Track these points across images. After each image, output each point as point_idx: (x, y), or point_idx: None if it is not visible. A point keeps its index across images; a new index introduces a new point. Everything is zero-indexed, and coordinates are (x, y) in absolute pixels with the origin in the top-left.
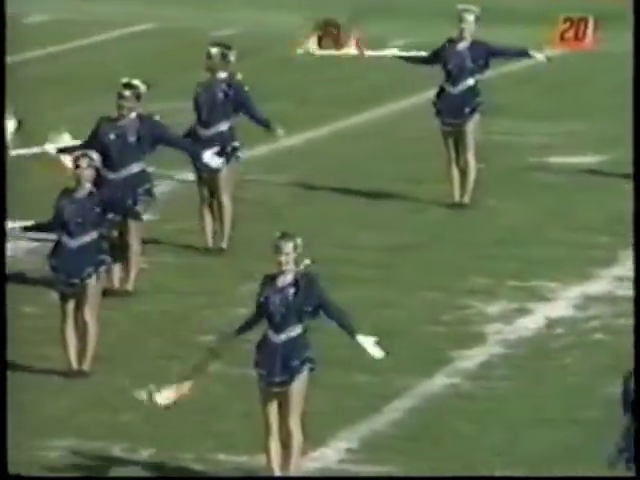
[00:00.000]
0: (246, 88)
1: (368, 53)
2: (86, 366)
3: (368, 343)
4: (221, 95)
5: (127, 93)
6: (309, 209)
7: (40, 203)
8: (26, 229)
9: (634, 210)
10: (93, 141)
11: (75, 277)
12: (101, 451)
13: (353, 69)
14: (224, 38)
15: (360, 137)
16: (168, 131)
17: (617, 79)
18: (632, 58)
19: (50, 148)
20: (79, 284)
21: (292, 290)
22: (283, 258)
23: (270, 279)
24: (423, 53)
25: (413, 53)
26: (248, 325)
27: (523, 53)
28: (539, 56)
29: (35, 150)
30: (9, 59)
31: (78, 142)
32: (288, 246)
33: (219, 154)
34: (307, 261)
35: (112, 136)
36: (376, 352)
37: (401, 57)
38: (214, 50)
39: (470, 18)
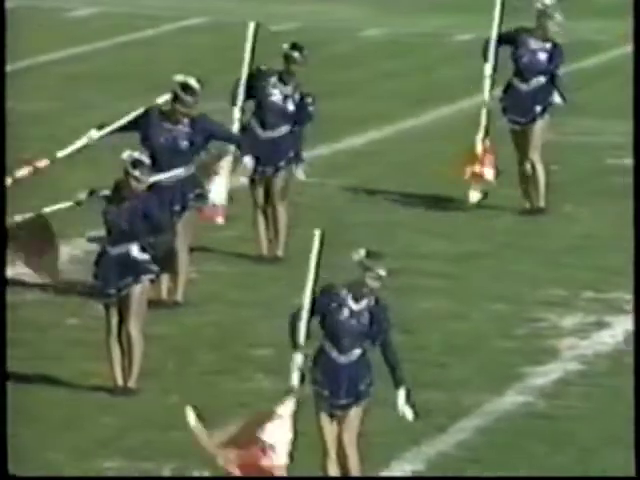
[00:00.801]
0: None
1: None
2: (132, 383)
3: (402, 401)
4: (291, 106)
5: (187, 99)
6: (371, 215)
7: None
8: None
9: (633, 218)
10: (135, 126)
11: (112, 287)
12: (150, 472)
13: (422, 63)
14: (284, 33)
15: (427, 137)
16: (219, 128)
17: None
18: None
19: (96, 135)
20: (116, 294)
21: (368, 316)
22: (374, 282)
23: (340, 294)
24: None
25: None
26: (308, 336)
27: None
28: None
29: (80, 143)
30: (54, 55)
31: (117, 125)
32: (382, 269)
33: (281, 156)
34: (382, 272)
35: (162, 140)
36: (407, 412)
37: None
38: (296, 54)
39: (551, 5)
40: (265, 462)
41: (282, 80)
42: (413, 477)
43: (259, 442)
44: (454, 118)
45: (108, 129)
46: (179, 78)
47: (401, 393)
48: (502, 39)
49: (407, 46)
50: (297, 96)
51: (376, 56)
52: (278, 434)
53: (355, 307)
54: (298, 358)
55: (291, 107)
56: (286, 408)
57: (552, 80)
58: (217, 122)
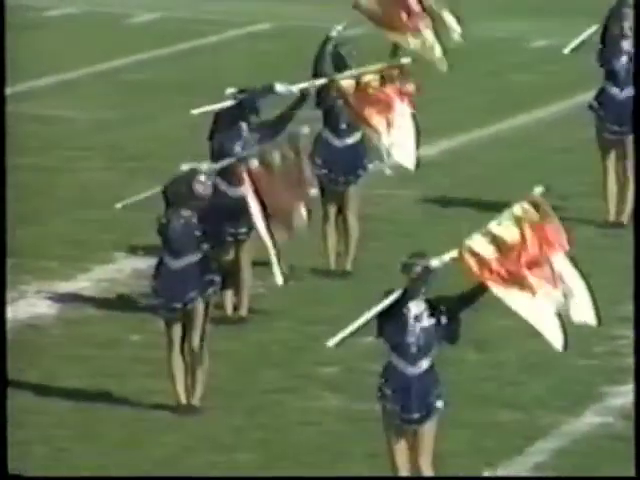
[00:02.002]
0: None
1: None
2: (196, 401)
3: None
4: None
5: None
6: (444, 227)
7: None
8: None
9: (634, 216)
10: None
11: (177, 301)
12: None
13: (495, 68)
14: (349, 38)
15: (502, 146)
16: (276, 120)
17: None
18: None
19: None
20: (182, 309)
21: (432, 320)
22: (418, 280)
23: (402, 304)
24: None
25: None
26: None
27: None
28: None
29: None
30: (114, 63)
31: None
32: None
33: (351, 168)
34: (419, 268)
35: (228, 144)
36: None
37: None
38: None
39: (631, 12)
40: None
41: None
42: (418, 477)
43: None
44: (530, 125)
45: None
46: (230, 91)
47: None
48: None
49: (479, 50)
50: None
51: (449, 61)
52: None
53: (414, 311)
54: None
55: None
56: None
57: None
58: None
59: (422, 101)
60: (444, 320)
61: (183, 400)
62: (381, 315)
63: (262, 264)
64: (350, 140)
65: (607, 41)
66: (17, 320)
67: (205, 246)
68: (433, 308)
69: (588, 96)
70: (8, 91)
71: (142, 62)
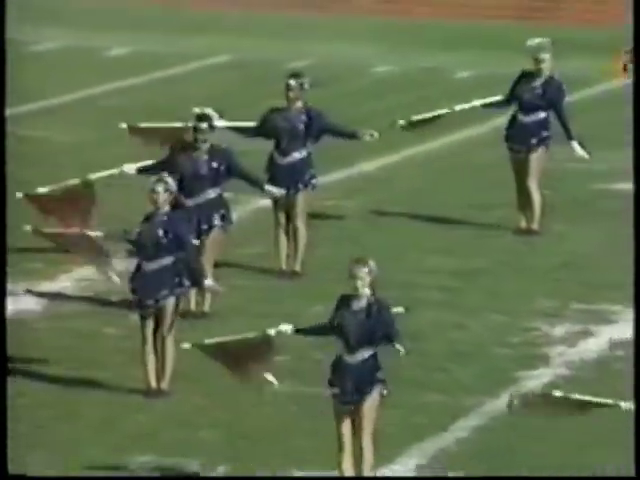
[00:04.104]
0: (322, 111)
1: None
2: (165, 385)
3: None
4: (301, 125)
5: (203, 126)
6: (382, 235)
7: None
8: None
9: (634, 216)
10: (167, 164)
11: (150, 299)
12: (179, 467)
13: (425, 96)
14: (299, 69)
15: (432, 163)
16: (238, 165)
17: None
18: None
19: (129, 169)
20: (154, 305)
21: (364, 314)
22: (358, 282)
23: (346, 301)
24: (500, 97)
25: (493, 99)
26: (310, 332)
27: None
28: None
29: (113, 171)
30: (92, 91)
31: (152, 162)
32: (363, 271)
33: (293, 181)
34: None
35: (187, 166)
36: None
37: (484, 105)
38: (293, 82)
39: (546, 55)
40: None
41: (288, 108)
42: (418, 477)
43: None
44: (455, 145)
45: (147, 165)
46: (196, 110)
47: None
48: (509, 101)
49: (411, 81)
50: (303, 117)
51: (385, 90)
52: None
53: (354, 307)
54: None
55: (301, 127)
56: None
57: (556, 114)
58: (239, 162)
59: (361, 125)
60: (382, 317)
61: (153, 384)
62: (334, 312)
63: (222, 265)
64: (291, 159)
65: (522, 79)
66: (7, 316)
67: (174, 249)
68: (373, 306)
69: (504, 121)
70: (7, 113)
71: (117, 90)
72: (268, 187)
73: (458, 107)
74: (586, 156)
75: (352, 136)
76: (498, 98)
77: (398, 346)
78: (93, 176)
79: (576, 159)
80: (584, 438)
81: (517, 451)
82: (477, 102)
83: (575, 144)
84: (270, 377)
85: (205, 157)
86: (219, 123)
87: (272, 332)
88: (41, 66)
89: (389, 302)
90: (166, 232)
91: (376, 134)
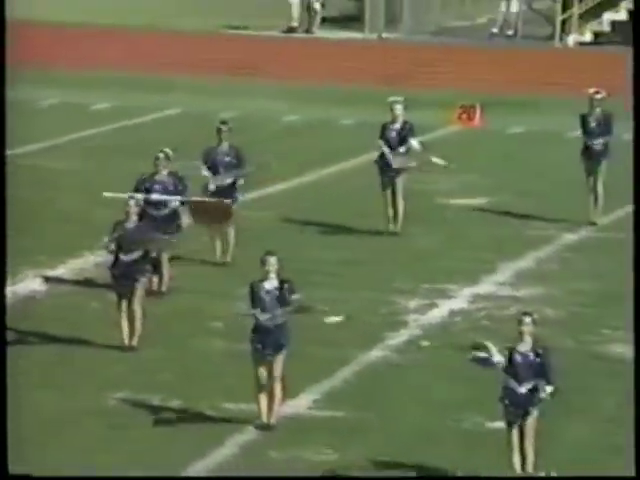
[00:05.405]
0: (242, 151)
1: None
2: (135, 342)
3: None
4: (229, 158)
5: (161, 156)
6: (287, 236)
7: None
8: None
9: (634, 217)
10: (141, 187)
11: (125, 282)
12: (144, 402)
13: (318, 138)
14: (229, 118)
15: (323, 186)
16: (184, 190)
17: (496, 146)
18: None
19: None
20: (128, 286)
21: (277, 291)
22: (270, 268)
23: (259, 283)
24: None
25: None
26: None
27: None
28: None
29: (121, 195)
30: (82, 134)
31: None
32: (273, 260)
33: (227, 197)
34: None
35: (155, 186)
36: None
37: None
38: (223, 127)
39: (400, 107)
40: None
41: (220, 146)
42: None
43: None
44: (340, 172)
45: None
46: (160, 149)
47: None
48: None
49: (309, 127)
50: (232, 154)
51: (292, 134)
52: None
53: (267, 287)
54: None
55: (229, 160)
56: None
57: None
58: (185, 185)
59: (272, 156)
60: (286, 293)
61: (127, 342)
62: (252, 292)
63: (175, 259)
64: (224, 183)
65: (385, 126)
66: (20, 294)
67: (143, 247)
68: (282, 286)
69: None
70: (19, 151)
71: (97, 134)
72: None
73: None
74: (444, 163)
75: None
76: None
77: (295, 297)
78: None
79: (427, 181)
80: (424, 378)
81: (383, 389)
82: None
83: (434, 159)
84: None
85: (166, 179)
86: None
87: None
88: (43, 117)
89: (292, 282)
90: (137, 234)
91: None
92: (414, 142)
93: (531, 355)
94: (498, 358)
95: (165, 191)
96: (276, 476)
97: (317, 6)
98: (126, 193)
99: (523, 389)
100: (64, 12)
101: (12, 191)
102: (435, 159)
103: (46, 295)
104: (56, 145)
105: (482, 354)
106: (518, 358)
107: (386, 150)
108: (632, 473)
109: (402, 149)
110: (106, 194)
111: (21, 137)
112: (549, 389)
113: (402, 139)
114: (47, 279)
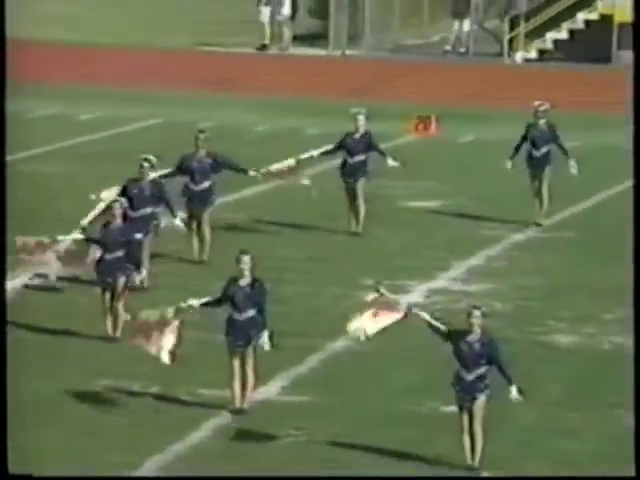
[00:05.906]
0: (221, 154)
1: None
2: (118, 333)
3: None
4: (206, 165)
5: (146, 164)
6: (260, 236)
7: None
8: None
9: (634, 217)
10: (126, 191)
11: (109, 278)
12: (126, 387)
13: (288, 146)
14: (206, 127)
15: (292, 190)
16: (165, 193)
17: (451, 154)
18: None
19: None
20: (112, 282)
21: (249, 288)
22: (244, 266)
23: (234, 280)
24: (330, 146)
25: (324, 149)
26: (211, 304)
27: (383, 154)
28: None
29: (101, 205)
30: (73, 142)
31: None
32: (246, 258)
33: (204, 201)
34: (243, 258)
35: (135, 191)
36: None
37: (322, 153)
38: (200, 135)
39: (363, 117)
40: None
41: (197, 153)
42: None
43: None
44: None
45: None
46: (143, 155)
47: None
48: (337, 150)
49: (279, 136)
50: (209, 160)
51: (263, 143)
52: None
53: (241, 284)
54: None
55: (207, 165)
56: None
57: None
58: (165, 189)
59: (245, 164)
60: (257, 289)
61: (110, 332)
62: (225, 287)
63: (156, 257)
64: (202, 186)
65: (346, 136)
66: (18, 287)
67: (124, 246)
68: (254, 282)
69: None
70: (20, 156)
71: (86, 142)
72: (177, 220)
73: (303, 155)
74: (397, 164)
75: (243, 172)
76: (330, 147)
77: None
78: (101, 195)
79: (387, 186)
80: (388, 363)
81: (346, 376)
82: (315, 152)
83: (390, 161)
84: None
85: (149, 186)
86: (153, 174)
87: (183, 305)
88: (35, 126)
89: (264, 280)
90: (119, 235)
91: (260, 172)
92: (390, 161)
93: (478, 345)
94: (443, 328)
95: (142, 196)
96: (276, 476)
97: (285, 28)
98: (108, 197)
99: (470, 376)
100: (57, 31)
101: (11, 192)
102: (390, 161)
103: (40, 289)
104: (50, 151)
105: (435, 323)
106: (466, 348)
107: (348, 158)
108: (632, 473)
109: (362, 156)
110: (92, 196)
111: (18, 144)
112: (514, 390)
113: (363, 147)
114: (40, 276)
